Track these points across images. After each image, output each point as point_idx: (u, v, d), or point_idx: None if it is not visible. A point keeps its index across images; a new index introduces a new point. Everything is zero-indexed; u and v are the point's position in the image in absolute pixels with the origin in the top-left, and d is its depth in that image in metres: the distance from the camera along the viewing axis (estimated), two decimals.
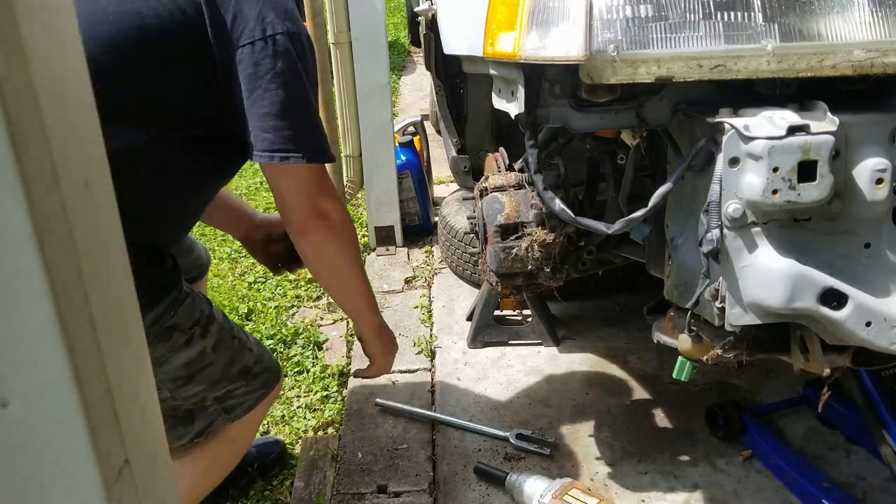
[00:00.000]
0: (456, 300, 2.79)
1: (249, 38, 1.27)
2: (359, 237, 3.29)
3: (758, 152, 1.21)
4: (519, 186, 1.73)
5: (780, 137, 1.20)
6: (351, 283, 1.60)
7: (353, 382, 2.32)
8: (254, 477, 1.98)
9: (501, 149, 2.03)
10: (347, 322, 2.70)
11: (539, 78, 1.45)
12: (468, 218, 2.19)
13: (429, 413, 2.12)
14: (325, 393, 2.34)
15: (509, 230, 1.67)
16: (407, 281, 2.94)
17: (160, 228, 1.43)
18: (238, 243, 2.34)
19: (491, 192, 1.73)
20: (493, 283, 1.79)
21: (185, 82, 1.33)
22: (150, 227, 1.37)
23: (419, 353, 2.47)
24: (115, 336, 0.51)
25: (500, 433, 2.03)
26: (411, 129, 3.34)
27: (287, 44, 1.29)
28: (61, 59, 0.46)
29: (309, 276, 2.97)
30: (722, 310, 1.35)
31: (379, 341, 1.76)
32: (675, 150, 1.48)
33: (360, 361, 2.43)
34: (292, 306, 2.89)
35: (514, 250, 1.66)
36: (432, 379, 2.35)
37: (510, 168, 1.88)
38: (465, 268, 2.83)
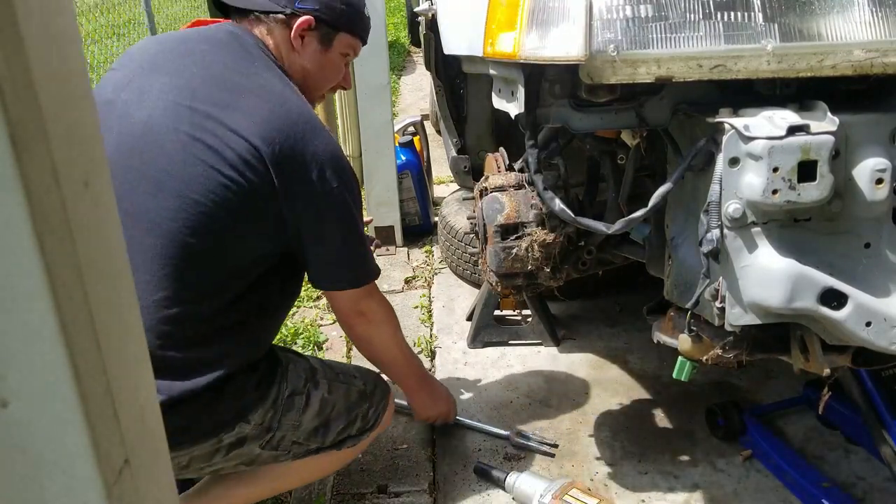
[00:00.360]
0: (456, 300, 2.79)
1: (311, 194, 1.42)
2: None
3: (758, 152, 1.21)
4: (519, 186, 1.73)
5: (780, 137, 1.20)
6: (393, 362, 1.83)
7: None
8: None
9: (501, 149, 2.03)
10: None
11: (539, 78, 1.45)
12: (468, 218, 2.19)
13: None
14: None
15: (509, 230, 1.67)
16: (407, 281, 2.94)
17: (264, 345, 1.59)
18: None
19: (491, 192, 1.73)
20: (493, 283, 1.80)
21: (262, 241, 1.47)
22: (255, 348, 1.54)
23: (419, 352, 2.47)
24: (115, 336, 0.51)
25: (503, 432, 2.04)
26: (411, 129, 3.34)
27: (341, 195, 1.45)
28: (61, 59, 0.46)
29: None
30: (722, 310, 1.35)
31: (418, 398, 1.97)
32: (675, 150, 1.48)
33: (358, 362, 2.43)
34: None
35: (514, 250, 1.66)
36: None
37: (510, 168, 1.88)
38: (465, 268, 2.83)
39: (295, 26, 1.51)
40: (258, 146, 1.36)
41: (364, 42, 1.66)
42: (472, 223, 1.97)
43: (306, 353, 1.87)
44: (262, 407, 1.50)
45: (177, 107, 1.39)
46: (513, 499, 1.81)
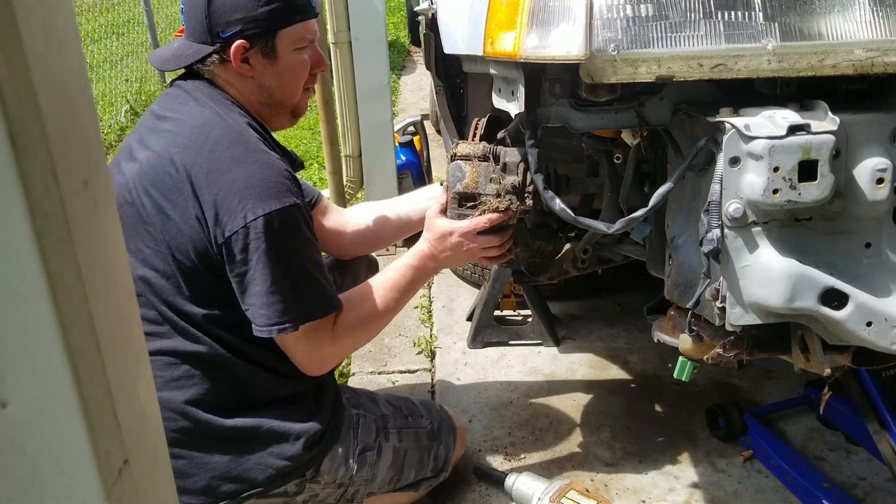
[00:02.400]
0: (456, 300, 2.79)
1: (232, 230, 1.34)
2: None
3: (758, 152, 1.21)
4: (484, 158, 1.73)
5: (781, 137, 1.20)
6: (384, 312, 1.60)
7: (352, 382, 2.32)
8: None
9: (489, 115, 2.01)
10: None
11: (539, 77, 1.44)
12: (440, 183, 2.18)
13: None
14: None
15: (466, 198, 1.68)
16: None
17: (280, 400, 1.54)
18: None
19: (457, 159, 1.74)
20: None
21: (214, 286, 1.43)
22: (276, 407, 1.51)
23: (419, 353, 2.47)
24: (115, 336, 0.51)
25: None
26: (411, 129, 3.34)
27: (266, 225, 1.34)
28: (61, 59, 0.46)
29: None
30: (722, 309, 1.34)
31: (437, 262, 1.65)
32: (676, 149, 1.48)
33: (360, 362, 2.43)
34: None
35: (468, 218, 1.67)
36: (432, 379, 2.35)
37: (485, 137, 1.88)
38: (465, 268, 2.83)
39: (231, 56, 1.44)
40: (178, 167, 1.36)
41: (312, 16, 1.52)
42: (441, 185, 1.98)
43: (374, 392, 1.80)
44: (331, 466, 1.55)
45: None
46: (511, 500, 1.81)
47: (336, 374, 2.41)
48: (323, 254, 1.70)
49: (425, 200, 1.90)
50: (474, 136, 1.88)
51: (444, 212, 1.63)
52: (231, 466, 1.44)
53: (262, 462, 1.46)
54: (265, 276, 1.35)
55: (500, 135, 1.84)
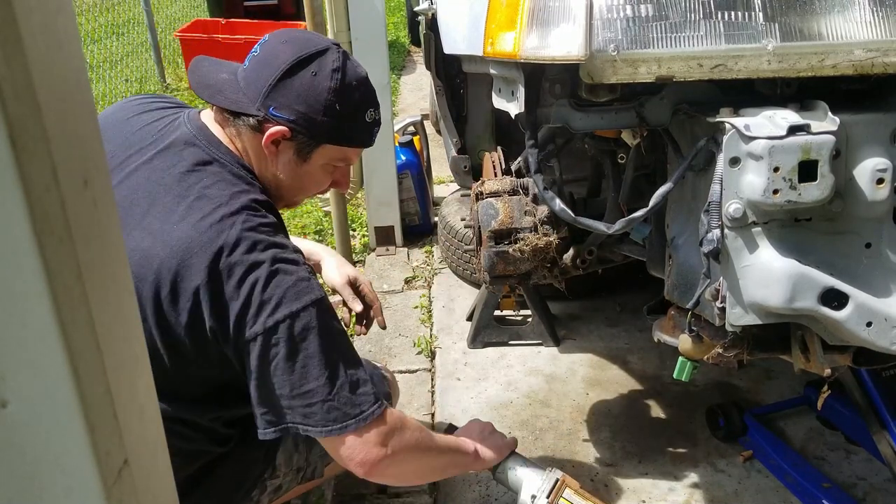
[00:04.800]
0: (456, 300, 2.78)
1: (252, 335, 1.22)
2: (359, 238, 3.31)
3: (758, 152, 1.21)
4: (514, 192, 1.75)
5: (781, 137, 1.20)
6: (438, 470, 1.54)
7: None
8: None
9: (499, 148, 2.03)
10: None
11: (539, 77, 1.44)
12: (462, 220, 2.18)
13: None
14: None
15: (503, 235, 1.69)
16: (407, 281, 2.94)
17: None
18: None
19: (486, 196, 1.75)
20: (487, 283, 1.82)
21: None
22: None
23: (419, 353, 2.47)
24: (115, 336, 0.51)
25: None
26: (411, 129, 3.34)
27: (289, 328, 1.23)
28: (61, 59, 0.46)
29: None
30: (722, 310, 1.34)
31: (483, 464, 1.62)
32: (676, 149, 1.48)
33: None
34: None
35: (507, 255, 1.69)
36: (432, 379, 2.35)
37: (507, 170, 1.89)
38: (466, 268, 2.83)
39: (266, 134, 1.32)
40: (179, 267, 1.22)
41: (364, 146, 1.45)
42: (465, 225, 1.98)
43: None
44: (285, 458, 1.54)
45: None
46: (499, 482, 1.69)
47: None
48: None
49: None
50: (495, 171, 1.89)
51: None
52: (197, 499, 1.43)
53: (220, 489, 1.47)
54: (283, 381, 1.24)
55: (513, 166, 1.85)
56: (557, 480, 1.65)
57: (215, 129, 1.37)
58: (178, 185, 1.29)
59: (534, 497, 1.64)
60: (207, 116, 1.39)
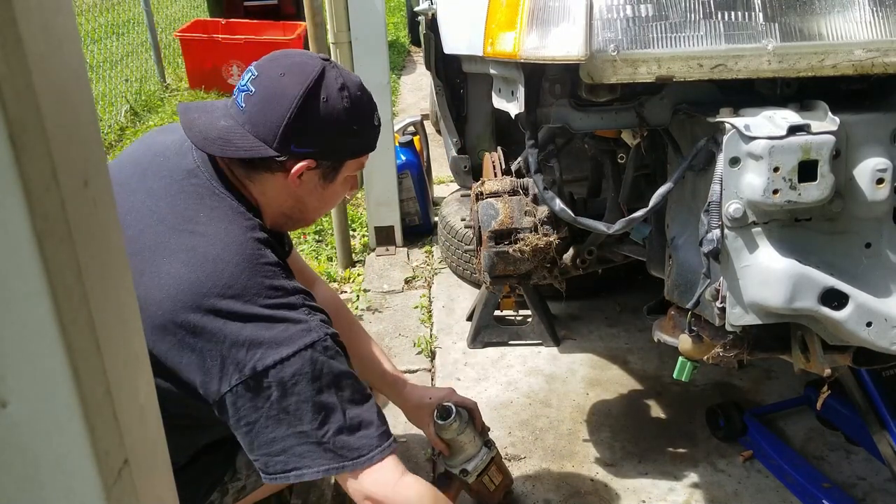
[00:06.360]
0: (456, 300, 2.78)
1: (228, 385, 1.20)
2: (359, 238, 3.31)
3: (758, 152, 1.21)
4: (514, 192, 1.75)
5: (781, 137, 1.20)
6: None
7: None
8: None
9: (499, 148, 2.03)
10: None
11: (539, 77, 1.44)
12: (462, 220, 2.18)
13: None
14: None
15: (503, 235, 1.69)
16: (407, 281, 2.94)
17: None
18: None
19: (486, 197, 1.75)
20: (487, 283, 1.82)
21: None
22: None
23: (419, 353, 2.47)
24: (115, 336, 0.51)
25: None
26: (411, 129, 3.34)
27: (277, 375, 1.20)
28: (61, 59, 0.46)
29: None
30: (722, 310, 1.34)
31: None
32: (676, 149, 1.48)
33: None
34: None
35: (507, 255, 1.69)
36: (432, 379, 2.35)
37: (507, 170, 1.89)
38: (466, 268, 2.83)
39: (292, 171, 1.30)
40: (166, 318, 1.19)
41: (373, 149, 1.47)
42: (465, 225, 1.98)
43: None
44: (246, 460, 1.48)
45: None
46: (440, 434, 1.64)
47: None
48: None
49: (400, 384, 1.72)
50: (495, 172, 1.90)
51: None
52: None
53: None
54: (276, 427, 1.21)
55: (513, 166, 1.85)
56: (489, 457, 1.63)
57: (219, 186, 1.32)
58: (173, 215, 1.26)
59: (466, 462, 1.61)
60: (210, 177, 1.34)
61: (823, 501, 1.73)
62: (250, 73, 1.31)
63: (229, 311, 1.20)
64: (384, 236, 3.19)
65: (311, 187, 1.35)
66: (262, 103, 1.28)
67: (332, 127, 1.30)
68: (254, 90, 1.29)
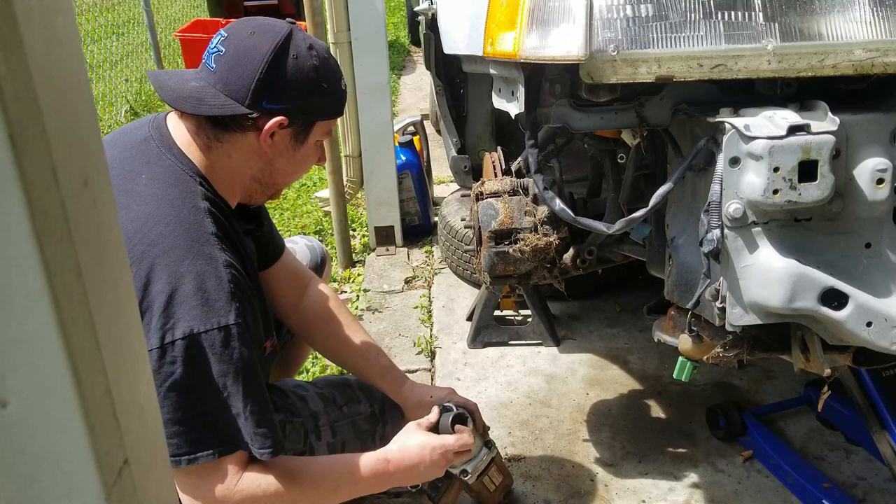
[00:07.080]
0: (456, 300, 2.78)
1: (148, 347, 1.16)
2: (359, 238, 3.31)
3: (758, 152, 1.21)
4: (514, 193, 1.75)
5: (781, 137, 1.20)
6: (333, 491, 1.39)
7: None
8: None
9: (499, 148, 2.03)
10: None
11: (539, 77, 1.44)
12: (462, 220, 2.17)
13: None
14: None
15: (503, 235, 1.69)
16: (407, 281, 2.94)
17: None
18: None
19: (486, 197, 1.75)
20: (487, 283, 1.82)
21: None
22: None
23: (419, 353, 2.47)
24: (115, 336, 0.51)
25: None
26: (411, 129, 3.34)
27: (187, 349, 1.18)
28: (61, 59, 0.46)
29: None
30: (722, 310, 1.34)
31: (402, 477, 1.48)
32: (676, 149, 1.48)
33: None
34: None
35: (507, 255, 1.69)
36: (432, 379, 2.35)
37: (507, 170, 1.89)
38: (466, 268, 2.83)
39: (263, 129, 1.30)
40: None
41: (341, 114, 1.45)
42: (465, 225, 1.98)
43: (306, 384, 1.66)
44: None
45: None
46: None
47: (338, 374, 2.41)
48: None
49: (396, 377, 1.69)
50: (495, 172, 1.90)
51: (432, 430, 1.51)
52: None
53: None
54: (171, 405, 1.19)
55: (513, 166, 1.85)
56: (488, 457, 1.62)
57: (177, 134, 1.34)
58: (117, 178, 1.28)
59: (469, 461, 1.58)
60: (173, 122, 1.36)
61: (823, 501, 1.73)
62: (220, 36, 1.34)
63: (154, 269, 1.20)
64: (384, 236, 3.19)
65: (283, 148, 1.36)
66: (233, 61, 1.29)
67: (302, 84, 1.31)
68: (224, 50, 1.31)
